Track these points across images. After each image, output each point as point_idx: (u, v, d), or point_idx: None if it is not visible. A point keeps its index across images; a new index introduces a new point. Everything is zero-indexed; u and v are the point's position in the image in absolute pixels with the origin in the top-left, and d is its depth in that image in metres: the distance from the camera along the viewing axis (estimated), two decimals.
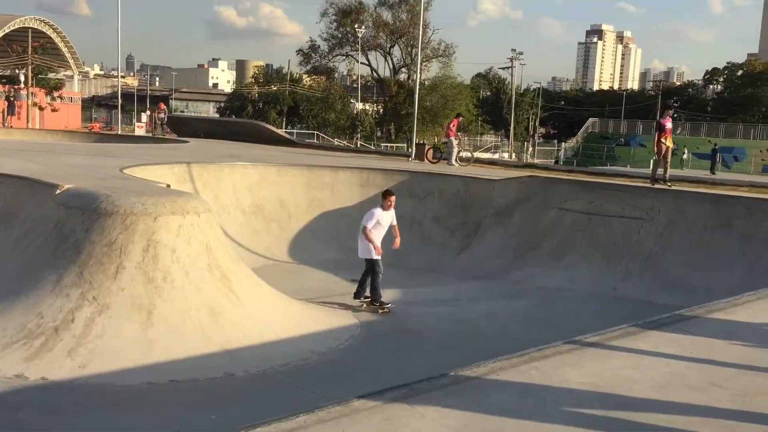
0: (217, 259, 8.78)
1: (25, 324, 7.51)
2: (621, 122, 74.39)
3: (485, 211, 15.73)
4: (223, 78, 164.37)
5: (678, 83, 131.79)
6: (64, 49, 77.28)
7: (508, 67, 68.17)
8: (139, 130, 58.76)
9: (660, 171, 15.87)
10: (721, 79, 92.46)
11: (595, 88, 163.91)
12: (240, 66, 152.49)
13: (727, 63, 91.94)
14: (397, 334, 9.45)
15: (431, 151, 22.04)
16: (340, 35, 59.43)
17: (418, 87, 26.37)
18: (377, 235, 10.66)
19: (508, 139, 67.62)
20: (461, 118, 23.62)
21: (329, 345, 8.54)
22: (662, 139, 15.83)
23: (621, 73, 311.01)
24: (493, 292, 12.20)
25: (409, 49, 57.12)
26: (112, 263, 8.02)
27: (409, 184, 16.67)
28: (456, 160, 20.52)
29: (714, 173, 35.61)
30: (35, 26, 69.58)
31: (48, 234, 8.83)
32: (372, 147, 42.92)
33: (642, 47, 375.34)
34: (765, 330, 4.23)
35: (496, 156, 56.59)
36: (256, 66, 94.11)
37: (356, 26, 56.53)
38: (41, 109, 61.81)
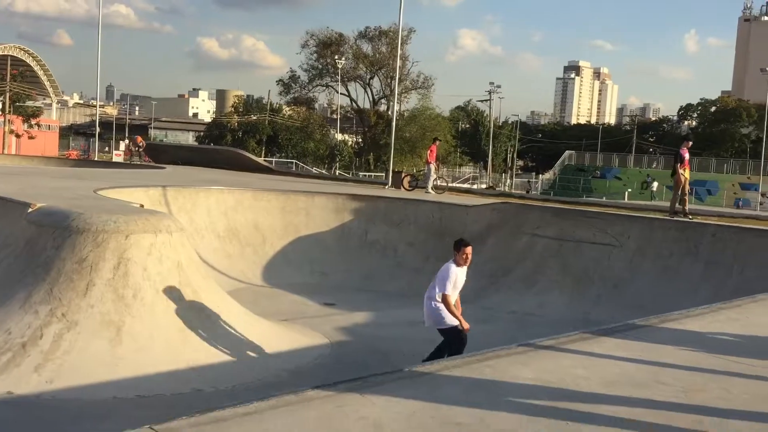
0: (189, 277, 8.81)
1: None
2: (597, 155, 75.48)
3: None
4: (203, 108, 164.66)
5: (654, 119, 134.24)
6: (44, 78, 77.27)
7: (486, 100, 69.22)
8: (117, 157, 58.58)
9: (679, 205, 15.23)
10: (695, 115, 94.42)
11: (573, 122, 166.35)
12: (220, 95, 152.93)
13: (701, 99, 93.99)
14: (366, 354, 9.49)
15: (407, 178, 22.25)
16: (320, 66, 60.05)
17: (395, 114, 26.69)
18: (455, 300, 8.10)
19: (487, 171, 68.30)
20: (439, 143, 23.92)
21: (298, 363, 8.57)
22: (681, 171, 15.39)
23: (598, 108, 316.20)
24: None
25: (389, 81, 57.78)
26: (82, 280, 8.02)
27: (384, 210, 16.82)
28: (431, 187, 20.74)
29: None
30: (15, 54, 69.51)
31: (19, 252, 8.82)
32: (350, 175, 43.17)
33: (618, 83, 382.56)
34: (711, 338, 4.38)
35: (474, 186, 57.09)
36: (236, 95, 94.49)
37: (336, 57, 57.15)
38: (18, 136, 61.51)
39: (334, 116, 65.98)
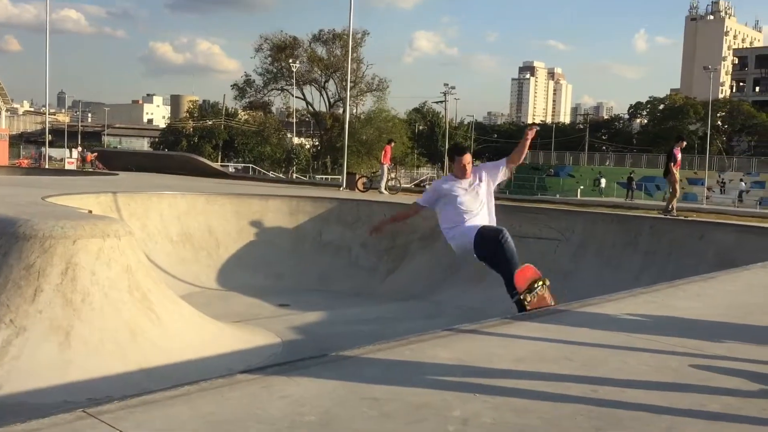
0: (138, 281, 8.89)
1: None
2: (551, 154, 76.85)
3: (411, 236, 16.19)
4: (158, 113, 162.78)
5: (606, 117, 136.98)
6: None
7: (442, 101, 69.91)
8: (70, 165, 57.67)
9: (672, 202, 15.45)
10: (645, 113, 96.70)
11: (529, 122, 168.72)
12: (175, 101, 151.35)
13: (650, 97, 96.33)
14: (317, 352, 9.69)
15: (362, 180, 22.53)
16: (275, 70, 60.02)
17: (347, 117, 26.96)
18: (453, 215, 6.84)
19: (444, 172, 69.01)
20: (393, 144, 24.29)
21: (249, 362, 8.72)
22: (674, 170, 15.64)
23: (553, 107, 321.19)
24: (415, 312, 12.60)
25: (344, 84, 57.95)
26: (29, 286, 8.05)
27: (338, 211, 17.05)
28: (386, 188, 21.04)
29: (631, 200, 37.27)
30: None
31: None
32: (307, 179, 43.26)
33: (572, 83, 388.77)
34: (624, 318, 4.71)
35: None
36: (191, 100, 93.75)
37: (291, 61, 57.19)
38: None
39: (291, 120, 65.96)
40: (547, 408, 2.88)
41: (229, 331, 10.08)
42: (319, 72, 59.43)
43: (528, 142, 6.65)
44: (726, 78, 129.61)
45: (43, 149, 68.21)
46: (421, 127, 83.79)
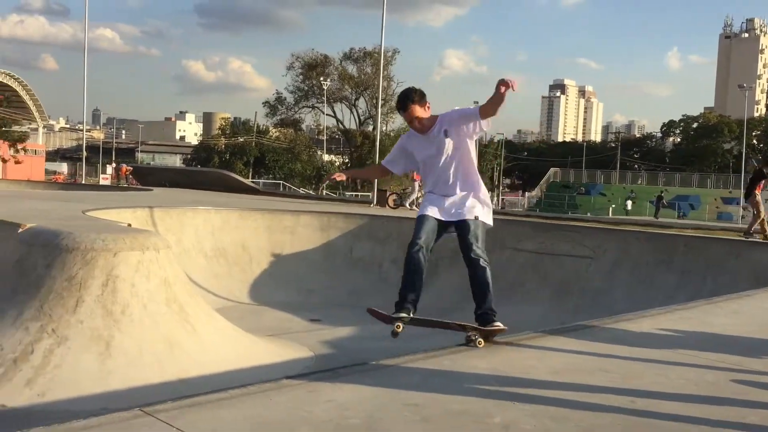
0: (175, 293, 9.08)
1: None
2: (582, 172, 76.36)
3: (442, 252, 16.22)
4: (190, 130, 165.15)
5: (638, 135, 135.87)
6: (29, 102, 77.47)
7: None
8: (104, 181, 58.77)
9: (757, 226, 14.96)
10: (678, 131, 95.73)
11: (559, 140, 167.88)
12: (207, 118, 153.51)
13: (683, 116, 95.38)
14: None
15: (392, 196, 22.67)
16: (306, 88, 60.76)
17: (379, 134, 27.16)
18: (424, 176, 5.65)
19: None
20: None
21: (283, 374, 8.83)
22: (757, 192, 15.29)
23: (584, 125, 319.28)
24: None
25: (374, 101, 58.43)
26: (72, 297, 8.27)
27: (369, 227, 17.18)
28: (415, 205, 21.17)
29: (657, 218, 36.83)
30: (2, 80, 69.75)
31: (10, 271, 9.06)
32: (336, 195, 43.59)
33: (604, 101, 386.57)
34: (661, 334, 4.72)
35: None
36: (222, 118, 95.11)
37: (322, 79, 57.85)
38: (4, 161, 61.62)
39: (321, 137, 66.55)
40: (586, 417, 2.93)
41: (263, 344, 10.21)
42: (350, 90, 60.04)
43: (502, 94, 4.77)
44: (761, 96, 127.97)
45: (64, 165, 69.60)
46: None
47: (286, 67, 59.88)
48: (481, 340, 4.37)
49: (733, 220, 51.25)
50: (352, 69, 59.83)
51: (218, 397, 2.92)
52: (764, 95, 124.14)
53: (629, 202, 57.44)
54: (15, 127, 67.72)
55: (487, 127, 5.22)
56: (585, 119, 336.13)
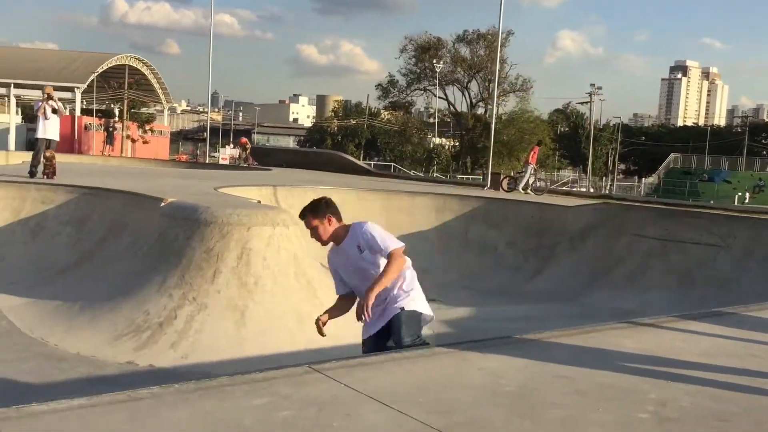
0: (304, 268, 9.47)
1: (134, 319, 8.35)
2: (705, 158, 72.64)
3: (559, 236, 15.99)
4: (303, 113, 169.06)
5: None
6: (156, 85, 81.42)
7: (586, 102, 67.94)
8: (224, 161, 61.24)
9: None
10: None
11: (679, 124, 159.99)
12: (320, 101, 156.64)
13: None
14: None
15: (506, 180, 22.44)
16: (418, 70, 60.76)
17: (494, 117, 26.91)
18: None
19: (586, 174, 67.05)
20: (541, 146, 23.95)
21: None
22: None
23: (707, 109, 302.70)
24: (564, 312, 12.45)
25: (486, 84, 57.83)
26: (210, 268, 8.80)
27: (485, 210, 17.12)
28: (529, 188, 20.88)
29: None
30: (131, 64, 73.76)
31: (153, 242, 9.74)
32: (447, 178, 43.60)
33: (729, 83, 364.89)
34: None
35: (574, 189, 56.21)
36: (335, 100, 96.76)
37: (434, 62, 57.71)
38: (133, 141, 65.36)
39: (431, 120, 66.52)
40: (744, 399, 2.90)
41: None
42: (462, 72, 59.60)
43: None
44: None
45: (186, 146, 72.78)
46: (563, 129, 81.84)
47: (399, 49, 60.17)
48: None
49: None
50: (464, 51, 59.43)
51: (380, 359, 3.09)
52: None
53: (747, 194, 54.37)
54: (143, 109, 71.59)
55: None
56: (708, 102, 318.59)
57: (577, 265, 15.06)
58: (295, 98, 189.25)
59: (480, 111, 61.59)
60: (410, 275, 5.11)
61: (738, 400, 2.91)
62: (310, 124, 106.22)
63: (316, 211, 5.04)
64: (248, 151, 33.34)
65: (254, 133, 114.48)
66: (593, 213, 16.13)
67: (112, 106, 67.82)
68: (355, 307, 5.11)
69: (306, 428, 2.40)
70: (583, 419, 2.58)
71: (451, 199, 17.79)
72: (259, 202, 11.72)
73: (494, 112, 28.14)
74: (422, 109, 75.30)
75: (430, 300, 12.87)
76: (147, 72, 78.52)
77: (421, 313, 4.96)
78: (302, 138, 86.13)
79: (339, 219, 5.13)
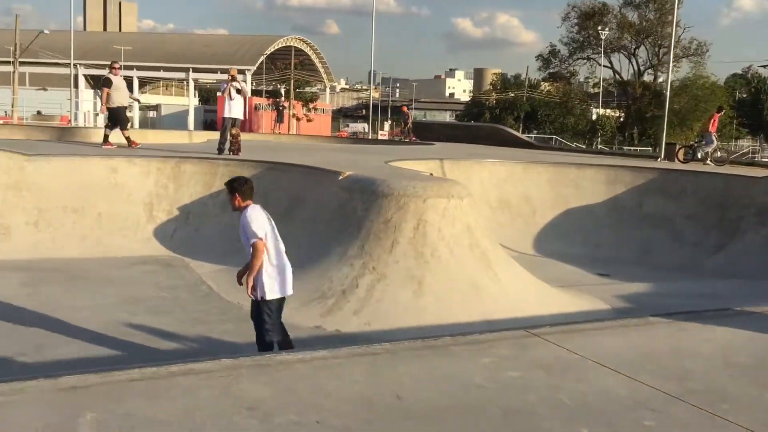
0: (477, 239, 9.51)
1: (319, 287, 8.80)
2: None
3: (745, 210, 14.88)
4: (459, 87, 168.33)
5: None
6: (319, 65, 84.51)
7: None
8: (382, 136, 62.49)
9: None
10: None
11: None
12: (477, 74, 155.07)
13: None
14: None
15: (682, 150, 21.17)
16: (581, 39, 58.45)
17: (669, 84, 25.39)
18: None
19: None
20: (722, 113, 22.31)
21: None
22: None
23: None
24: (759, 291, 11.60)
25: (656, 50, 54.56)
26: (387, 239, 9.07)
27: (660, 181, 16.26)
28: (709, 158, 19.56)
29: None
30: (296, 45, 76.93)
31: (333, 213, 10.18)
32: (612, 149, 41.78)
33: None
34: None
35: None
36: (493, 73, 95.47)
37: (599, 28, 55.21)
38: (298, 119, 68.31)
39: (594, 90, 63.89)
40: None
41: (559, 293, 10.29)
42: (629, 38, 56.56)
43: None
44: None
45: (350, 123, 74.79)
46: (742, 95, 75.54)
47: (561, 17, 58.14)
48: None
49: None
50: (632, 16, 56.29)
51: (596, 326, 3.06)
52: None
53: None
54: (307, 89, 74.50)
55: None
56: None
57: (765, 241, 13.96)
58: (451, 73, 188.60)
59: (648, 78, 58.29)
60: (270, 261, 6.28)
61: None
62: (466, 99, 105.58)
63: (232, 189, 6.45)
64: (410, 125, 33.65)
65: (411, 108, 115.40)
66: None
67: (279, 86, 71.07)
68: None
69: (538, 389, 2.43)
70: None
71: (622, 170, 17.05)
72: (431, 174, 11.87)
73: (668, 78, 26.53)
74: (582, 80, 72.50)
75: (600, 274, 12.48)
76: (310, 52, 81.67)
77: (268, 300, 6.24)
78: (459, 112, 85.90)
79: (245, 198, 6.39)
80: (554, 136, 52.74)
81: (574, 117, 60.12)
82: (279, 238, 6.46)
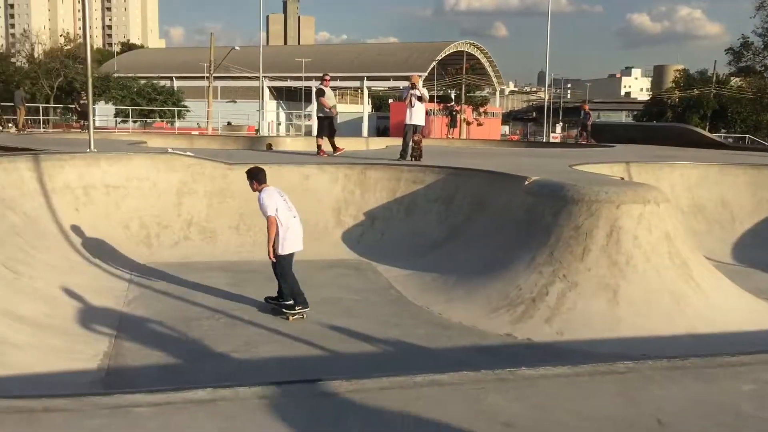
0: (677, 248, 8.94)
1: (507, 294, 8.68)
2: None
3: None
4: (636, 86, 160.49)
5: None
6: (489, 68, 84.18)
7: None
8: (554, 139, 60.90)
9: None
10: None
11: None
12: (657, 72, 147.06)
13: None
14: None
15: None
16: None
17: None
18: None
19: None
20: None
21: None
22: None
23: None
24: None
25: None
26: (578, 246, 8.76)
27: None
28: None
29: None
30: (467, 50, 77.15)
31: (519, 219, 10.01)
32: None
33: None
34: None
35: None
36: (676, 70, 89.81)
37: None
38: (468, 123, 68.37)
39: None
40: None
41: (766, 307, 9.43)
42: None
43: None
44: None
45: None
46: None
47: (755, 6, 53.34)
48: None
49: None
50: None
51: None
52: None
53: None
54: (477, 93, 74.43)
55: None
56: None
57: None
58: (626, 71, 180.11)
59: None
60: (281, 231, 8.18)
61: None
62: (644, 98, 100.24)
63: (250, 177, 8.52)
64: (588, 126, 32.37)
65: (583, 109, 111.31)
66: None
67: (449, 91, 71.58)
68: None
69: None
70: None
71: None
72: (622, 178, 11.34)
73: None
74: None
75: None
76: (480, 56, 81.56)
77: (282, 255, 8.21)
78: (637, 112, 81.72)
79: (260, 183, 8.42)
80: (747, 135, 48.58)
81: None
82: (292, 208, 8.37)
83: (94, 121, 14.85)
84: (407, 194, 12.43)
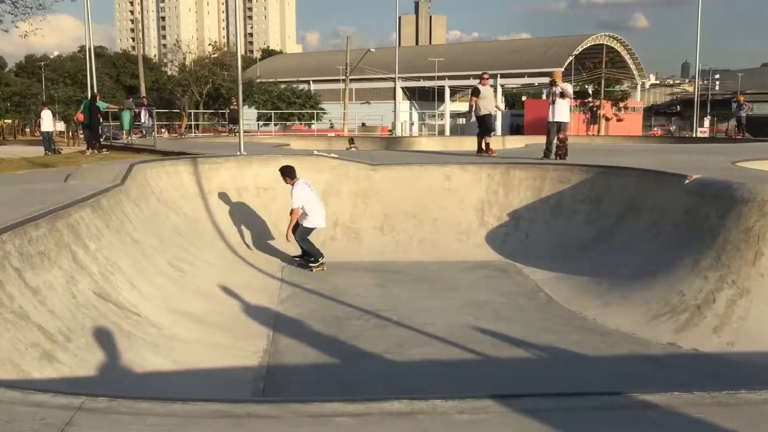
0: None
1: (668, 300, 8.15)
2: None
3: None
4: None
5: None
6: (630, 61, 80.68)
7: None
8: (702, 134, 57.42)
9: None
10: None
11: None
12: None
13: None
14: None
15: None
16: None
17: None
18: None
19: None
20: None
21: None
22: None
23: None
24: None
25: None
26: (749, 249, 8.07)
27: None
28: None
29: None
30: (606, 42, 74.32)
31: (678, 220, 9.40)
32: None
33: None
34: None
35: None
36: None
37: None
38: (607, 119, 65.73)
39: None
40: None
41: None
42: None
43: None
44: None
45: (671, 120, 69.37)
46: None
47: None
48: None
49: None
50: None
51: None
52: None
53: None
54: (617, 87, 71.47)
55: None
56: None
57: None
58: None
59: None
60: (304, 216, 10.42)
61: None
62: None
63: (282, 173, 10.69)
64: (743, 119, 30.19)
65: (733, 101, 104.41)
66: None
67: (586, 86, 69.24)
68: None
69: None
70: None
71: None
72: None
73: None
74: None
75: None
76: (620, 49, 78.37)
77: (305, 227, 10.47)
78: None
79: (292, 178, 10.59)
80: None
81: None
82: (317, 195, 10.73)
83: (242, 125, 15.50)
84: (553, 194, 12.03)
